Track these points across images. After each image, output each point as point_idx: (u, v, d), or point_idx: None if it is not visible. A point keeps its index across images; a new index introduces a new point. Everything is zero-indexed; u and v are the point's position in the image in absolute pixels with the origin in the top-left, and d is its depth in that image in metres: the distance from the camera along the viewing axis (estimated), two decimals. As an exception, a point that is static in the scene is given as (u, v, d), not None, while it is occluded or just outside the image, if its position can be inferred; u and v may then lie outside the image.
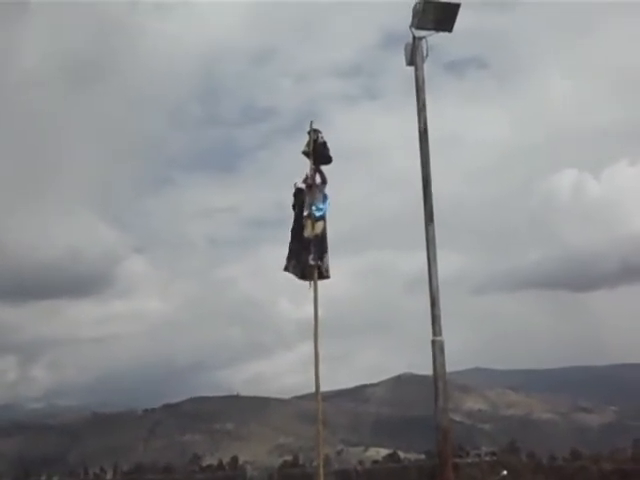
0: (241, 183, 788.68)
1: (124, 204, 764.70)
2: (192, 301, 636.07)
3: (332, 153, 17.98)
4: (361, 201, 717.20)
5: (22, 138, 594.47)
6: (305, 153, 17.91)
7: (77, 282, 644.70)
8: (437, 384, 12.72)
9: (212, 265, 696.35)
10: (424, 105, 13.89)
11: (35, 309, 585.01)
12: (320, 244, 16.08)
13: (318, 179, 16.87)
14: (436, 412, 12.67)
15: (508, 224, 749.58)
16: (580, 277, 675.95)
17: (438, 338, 12.95)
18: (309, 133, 18.07)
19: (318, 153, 17.80)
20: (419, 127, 13.84)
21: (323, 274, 16.31)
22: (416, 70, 14.04)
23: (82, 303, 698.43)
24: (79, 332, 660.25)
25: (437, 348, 12.92)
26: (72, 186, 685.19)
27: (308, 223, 16.12)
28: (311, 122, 18.22)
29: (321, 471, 16.14)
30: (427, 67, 14.16)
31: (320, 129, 17.97)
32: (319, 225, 15.94)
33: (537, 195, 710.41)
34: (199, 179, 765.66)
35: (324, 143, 17.93)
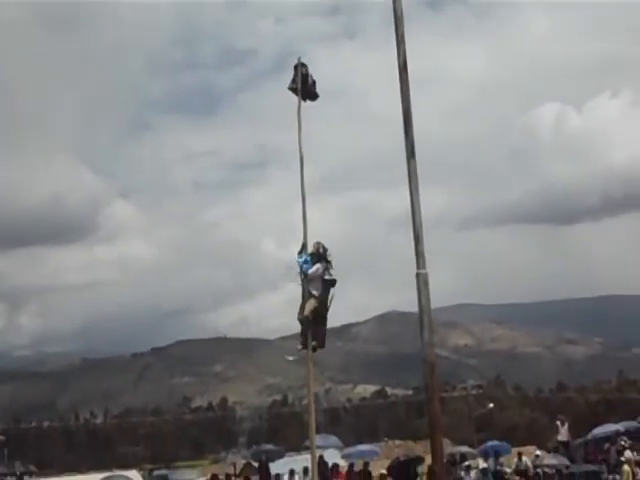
0: (222, 126, 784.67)
1: (106, 150, 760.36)
2: (177, 245, 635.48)
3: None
4: (343, 141, 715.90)
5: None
6: (292, 89, 17.65)
7: (61, 229, 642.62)
8: (422, 318, 12.63)
9: (196, 209, 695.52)
10: (403, 37, 13.61)
11: (19, 257, 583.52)
12: (313, 324, 15.88)
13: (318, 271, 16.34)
14: (422, 346, 12.59)
15: (490, 160, 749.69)
16: (563, 211, 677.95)
17: (422, 271, 12.83)
18: (296, 68, 17.74)
19: (306, 89, 17.52)
20: (398, 61, 13.56)
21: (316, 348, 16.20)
22: (394, 1, 13.76)
23: (66, 250, 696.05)
24: (65, 279, 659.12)
25: (421, 281, 12.81)
26: (52, 133, 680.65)
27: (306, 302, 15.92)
28: (299, 57, 17.96)
29: (312, 408, 16.09)
30: (407, 2, 13.88)
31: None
32: (310, 303, 15.73)
33: (519, 130, 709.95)
34: (180, 123, 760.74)
35: (313, 81, 17.67)
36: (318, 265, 15.64)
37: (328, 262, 15.79)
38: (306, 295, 15.68)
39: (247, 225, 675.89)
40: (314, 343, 15.81)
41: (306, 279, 15.77)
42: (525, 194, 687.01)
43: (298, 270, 15.90)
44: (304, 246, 16.15)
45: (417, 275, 12.93)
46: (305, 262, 15.84)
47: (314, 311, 15.57)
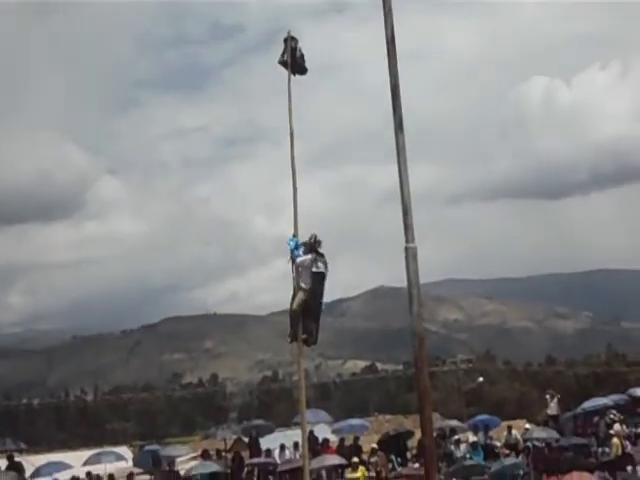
0: (211, 102, 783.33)
1: (93, 126, 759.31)
2: (166, 221, 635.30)
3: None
4: (332, 116, 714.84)
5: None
6: (282, 63, 17.52)
7: (48, 206, 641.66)
8: (411, 291, 12.61)
9: (185, 185, 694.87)
10: (390, 10, 13.49)
11: (6, 235, 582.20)
12: (304, 318, 15.71)
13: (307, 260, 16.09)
14: (411, 319, 12.58)
15: (479, 134, 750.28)
16: (552, 185, 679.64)
17: (411, 245, 12.80)
18: (286, 41, 17.60)
19: (295, 62, 17.39)
20: (386, 33, 13.45)
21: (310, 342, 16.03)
22: (382, -28, 13.64)
23: (54, 227, 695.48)
24: (53, 256, 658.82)
25: (410, 255, 12.79)
26: (39, 110, 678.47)
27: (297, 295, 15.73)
28: (289, 31, 17.82)
29: (302, 383, 16.06)
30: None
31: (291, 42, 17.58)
32: (299, 297, 15.55)
33: (508, 104, 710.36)
34: (168, 99, 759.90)
35: (302, 54, 17.53)
36: (308, 256, 15.51)
37: (319, 254, 15.65)
38: (296, 287, 15.59)
39: (236, 201, 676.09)
40: (304, 336, 15.69)
41: (295, 267, 15.66)
42: (514, 169, 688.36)
43: (289, 253, 15.80)
44: (296, 230, 16.03)
45: (406, 249, 12.91)
46: (296, 247, 15.73)
47: (302, 304, 15.47)
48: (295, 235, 15.94)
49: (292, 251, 15.66)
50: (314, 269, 15.38)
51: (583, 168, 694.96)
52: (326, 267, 15.71)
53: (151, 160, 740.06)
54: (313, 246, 15.54)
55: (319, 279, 15.43)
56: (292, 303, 15.62)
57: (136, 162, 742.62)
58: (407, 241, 13.01)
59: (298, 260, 15.40)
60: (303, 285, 15.34)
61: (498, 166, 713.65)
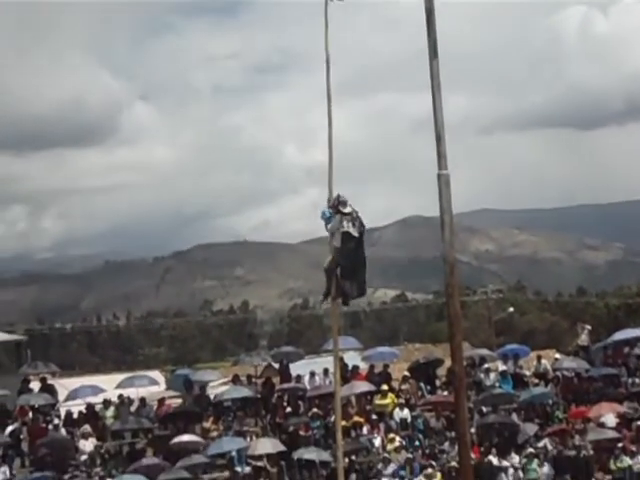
0: (242, 28, 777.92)
1: (126, 52, 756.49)
2: (198, 149, 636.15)
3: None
4: (365, 43, 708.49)
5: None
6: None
7: (81, 131, 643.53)
8: (443, 218, 12.58)
9: (217, 112, 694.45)
10: None
11: (41, 159, 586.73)
12: (337, 278, 15.62)
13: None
14: (443, 245, 12.55)
15: (514, 64, 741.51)
16: (587, 115, 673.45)
17: (444, 172, 12.76)
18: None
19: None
20: (422, -41, 13.26)
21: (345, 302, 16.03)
22: None
23: (87, 153, 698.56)
24: (86, 182, 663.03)
25: (443, 182, 12.75)
26: (72, 36, 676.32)
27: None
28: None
29: (335, 311, 16.04)
30: None
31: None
32: (331, 257, 15.46)
33: (543, 33, 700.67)
34: (200, 25, 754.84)
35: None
36: (336, 217, 15.43)
37: (345, 214, 15.54)
38: (330, 249, 15.59)
39: (268, 129, 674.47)
40: (338, 296, 15.66)
41: (329, 233, 15.64)
42: (549, 99, 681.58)
43: (324, 223, 15.75)
44: (330, 158, 15.86)
45: (438, 176, 12.87)
46: (330, 217, 15.62)
47: (332, 265, 15.45)
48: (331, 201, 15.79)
49: (326, 221, 15.63)
50: (342, 229, 15.35)
51: (619, 98, 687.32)
52: (354, 225, 15.63)
53: (183, 86, 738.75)
54: (337, 207, 15.47)
55: (347, 238, 15.37)
56: (325, 264, 15.68)
57: (168, 88, 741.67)
58: (440, 168, 12.97)
59: (329, 227, 15.39)
60: (337, 246, 15.37)
61: (532, 96, 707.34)
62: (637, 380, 35.71)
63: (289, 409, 34.89)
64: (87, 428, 32.87)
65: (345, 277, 15.55)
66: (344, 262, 15.46)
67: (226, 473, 31.78)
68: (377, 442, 33.21)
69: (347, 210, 15.54)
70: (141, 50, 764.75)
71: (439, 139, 12.85)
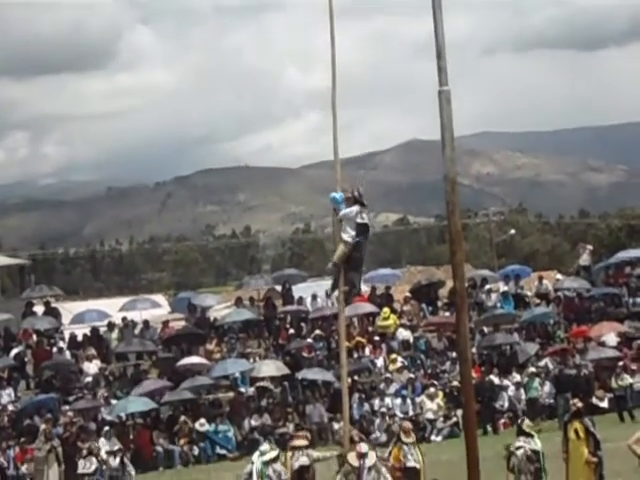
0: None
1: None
2: (199, 72, 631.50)
3: None
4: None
5: None
6: None
7: (81, 56, 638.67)
8: (444, 134, 12.44)
9: (217, 35, 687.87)
10: None
11: (41, 84, 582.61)
12: (345, 270, 15.47)
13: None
14: (444, 162, 12.44)
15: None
16: (589, 36, 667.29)
17: (445, 88, 12.58)
18: None
19: None
20: None
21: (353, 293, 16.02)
22: None
23: (88, 78, 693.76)
24: (87, 107, 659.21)
25: (443, 98, 12.58)
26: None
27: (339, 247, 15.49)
28: None
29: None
30: None
31: None
32: (340, 249, 15.27)
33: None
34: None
35: None
36: (353, 208, 15.30)
37: (363, 205, 15.45)
38: (337, 240, 15.48)
39: (269, 51, 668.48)
40: (346, 288, 15.65)
41: (337, 219, 15.53)
42: (550, 19, 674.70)
43: (333, 206, 15.61)
44: (334, 80, 15.64)
45: (439, 92, 12.71)
46: (341, 202, 15.47)
47: (343, 257, 15.36)
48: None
49: (337, 205, 15.50)
50: (359, 220, 15.24)
51: (621, 18, 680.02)
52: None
53: (183, 9, 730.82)
54: (357, 199, 15.37)
55: (363, 230, 15.31)
56: (334, 256, 15.60)
57: (168, 11, 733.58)
58: (441, 84, 12.80)
59: (342, 212, 15.27)
60: (345, 237, 15.23)
61: (534, 16, 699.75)
62: (638, 300, 35.84)
63: (292, 331, 35.13)
64: (91, 350, 33.09)
65: (353, 269, 15.58)
66: (356, 254, 15.46)
67: (230, 394, 32.08)
68: (379, 362, 33.51)
69: (366, 202, 15.53)
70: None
71: (439, 55, 12.69)
